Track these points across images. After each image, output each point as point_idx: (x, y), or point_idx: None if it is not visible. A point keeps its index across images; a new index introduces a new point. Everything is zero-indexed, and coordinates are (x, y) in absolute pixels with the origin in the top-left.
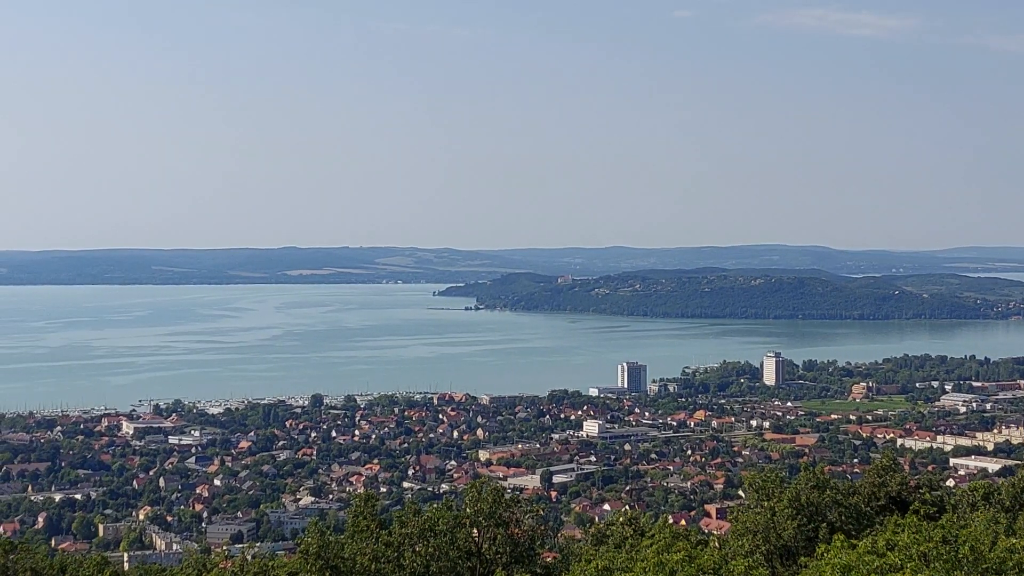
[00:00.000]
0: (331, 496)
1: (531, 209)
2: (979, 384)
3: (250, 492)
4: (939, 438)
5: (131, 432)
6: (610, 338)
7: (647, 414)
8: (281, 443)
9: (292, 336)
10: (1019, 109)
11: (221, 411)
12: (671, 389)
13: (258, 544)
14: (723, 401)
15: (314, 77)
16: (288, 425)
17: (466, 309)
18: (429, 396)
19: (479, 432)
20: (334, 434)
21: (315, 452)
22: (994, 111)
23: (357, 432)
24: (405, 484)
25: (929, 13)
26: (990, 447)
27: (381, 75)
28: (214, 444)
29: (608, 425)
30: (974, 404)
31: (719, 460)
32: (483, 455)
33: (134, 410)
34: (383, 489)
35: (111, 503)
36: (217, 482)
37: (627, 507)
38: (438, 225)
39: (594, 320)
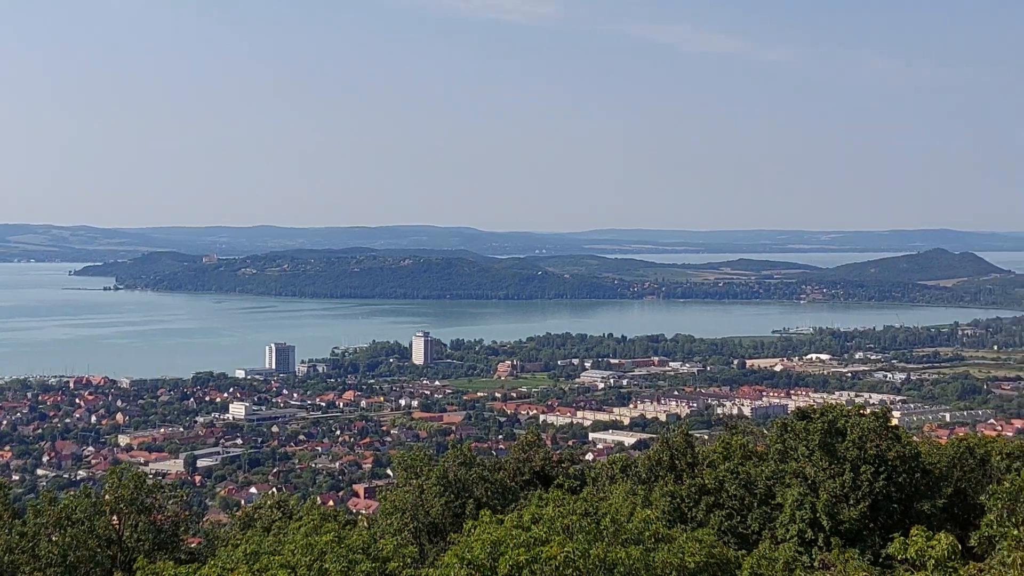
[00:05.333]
0: None
1: (174, 186)
2: (616, 361)
3: None
4: (579, 413)
5: None
6: (258, 319)
7: (296, 395)
8: None
9: None
10: (659, 98)
11: None
12: (320, 370)
13: None
14: (372, 381)
15: None
16: None
17: (105, 289)
18: (65, 380)
19: (119, 416)
20: None
21: None
22: (635, 100)
23: None
24: (39, 471)
25: (571, 1)
26: (626, 421)
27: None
28: None
29: (255, 407)
30: (611, 380)
31: (368, 440)
32: (123, 440)
33: None
34: (15, 477)
35: None
36: None
37: (274, 489)
38: (74, 201)
39: (241, 300)
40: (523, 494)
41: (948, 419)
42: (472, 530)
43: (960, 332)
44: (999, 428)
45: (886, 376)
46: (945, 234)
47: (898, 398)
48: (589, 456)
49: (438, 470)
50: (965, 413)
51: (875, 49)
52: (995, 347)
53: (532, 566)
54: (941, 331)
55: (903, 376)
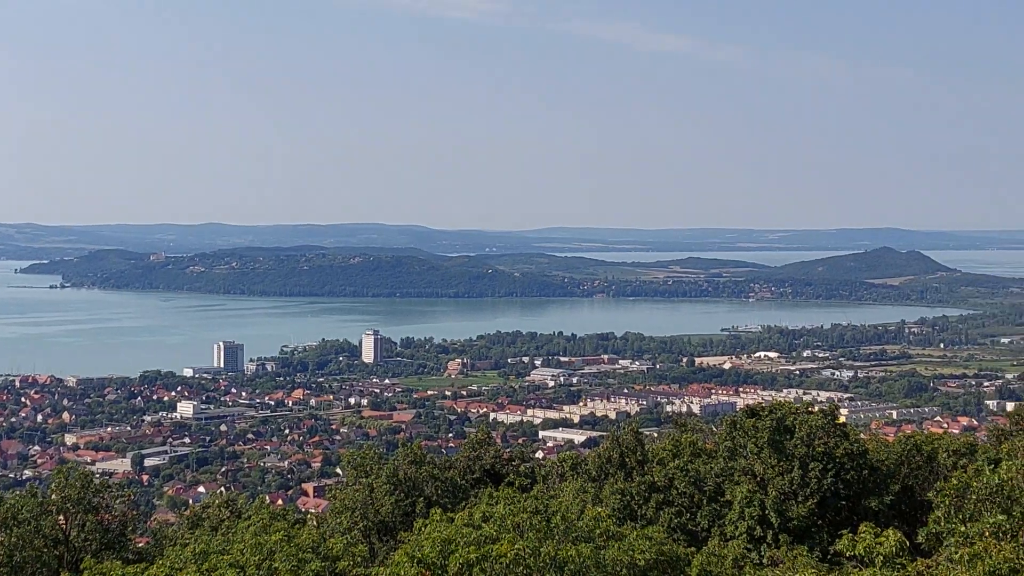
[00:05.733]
0: None
1: (122, 183)
2: (566, 359)
3: None
4: (529, 411)
5: None
6: (206, 317)
7: (244, 394)
8: None
9: None
10: (609, 96)
11: None
12: (269, 368)
13: None
14: (322, 379)
15: None
16: None
17: (51, 287)
18: (10, 379)
19: (65, 415)
20: None
21: None
22: (585, 98)
23: None
24: None
25: None
26: (576, 419)
27: None
28: None
29: (203, 406)
30: (561, 378)
31: (317, 438)
32: (70, 439)
33: None
34: None
35: None
36: None
37: (223, 489)
38: (20, 198)
39: (189, 299)
40: (473, 492)
41: (895, 416)
42: (422, 528)
43: (907, 330)
44: (945, 425)
45: (834, 374)
46: (892, 233)
47: (846, 396)
48: (539, 454)
49: (388, 468)
50: (912, 411)
51: (822, 49)
52: (941, 345)
53: (482, 564)
54: (888, 329)
55: (850, 374)
